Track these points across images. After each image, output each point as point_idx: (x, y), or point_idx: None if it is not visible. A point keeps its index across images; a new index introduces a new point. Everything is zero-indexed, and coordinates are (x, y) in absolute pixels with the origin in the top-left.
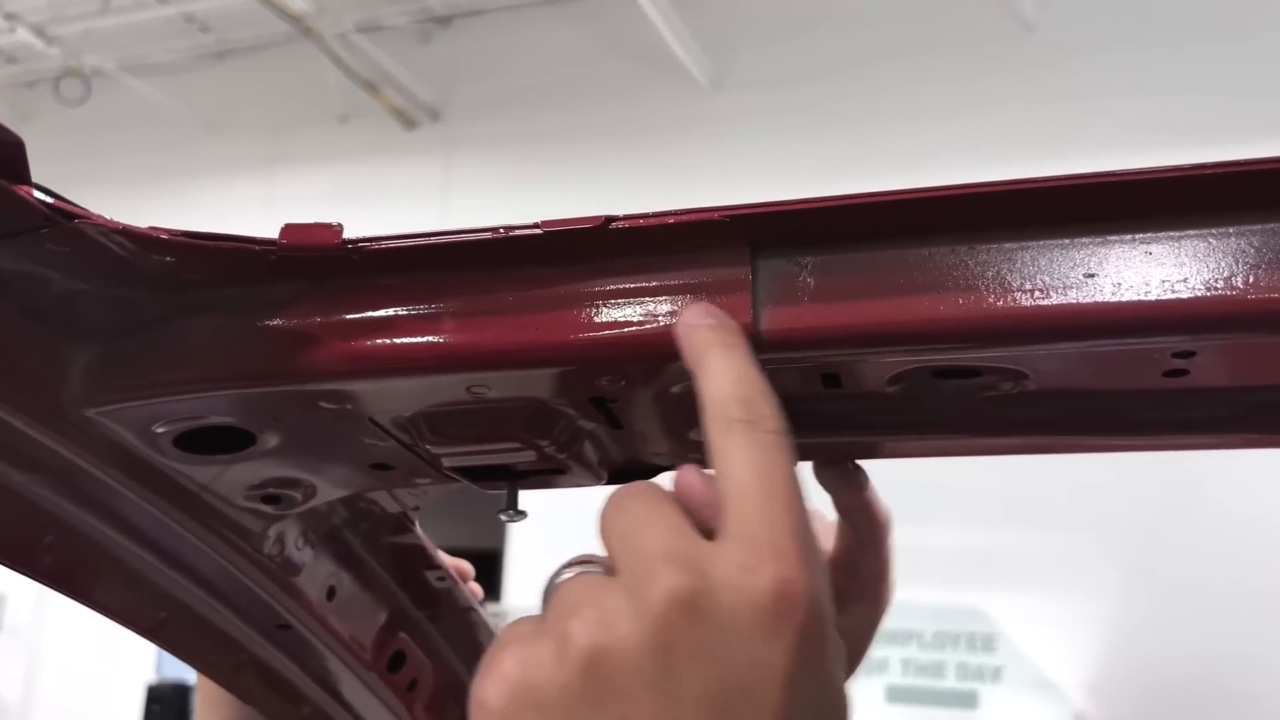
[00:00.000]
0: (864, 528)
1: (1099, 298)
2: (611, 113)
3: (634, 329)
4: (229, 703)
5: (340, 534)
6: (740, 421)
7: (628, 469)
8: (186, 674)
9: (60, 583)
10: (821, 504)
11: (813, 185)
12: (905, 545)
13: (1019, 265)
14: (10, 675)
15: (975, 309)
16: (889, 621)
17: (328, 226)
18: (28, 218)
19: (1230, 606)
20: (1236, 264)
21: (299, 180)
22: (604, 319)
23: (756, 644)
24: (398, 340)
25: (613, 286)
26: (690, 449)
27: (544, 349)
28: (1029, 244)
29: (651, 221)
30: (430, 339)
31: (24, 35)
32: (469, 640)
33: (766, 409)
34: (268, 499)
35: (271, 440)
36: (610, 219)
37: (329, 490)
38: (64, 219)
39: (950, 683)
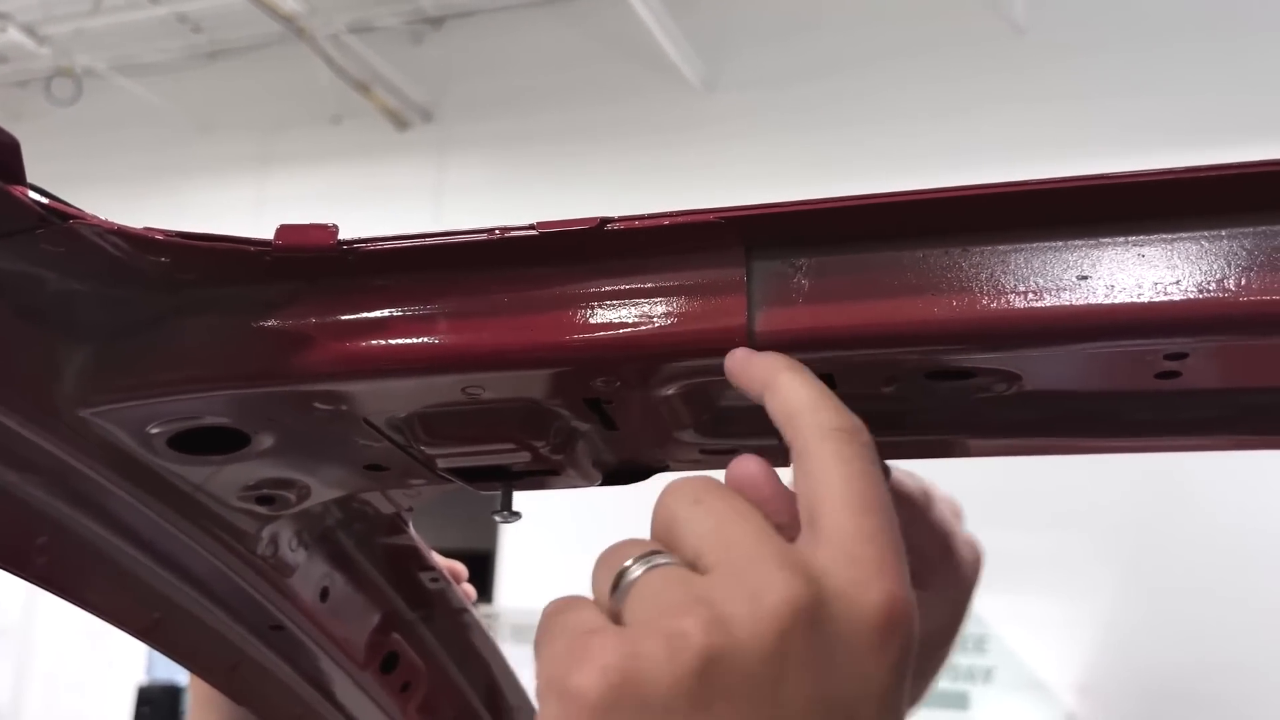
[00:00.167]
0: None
1: (1092, 300)
2: (604, 114)
3: (629, 330)
4: (221, 704)
5: (334, 535)
6: (837, 430)
7: (622, 470)
8: (178, 675)
9: (53, 584)
10: None
11: (806, 186)
12: None
13: (1012, 267)
14: (0, 676)
15: (969, 311)
16: None
17: (323, 227)
18: (23, 218)
19: (1221, 607)
20: (1229, 266)
21: (291, 181)
22: (599, 320)
23: (864, 659)
24: (393, 341)
25: (608, 287)
26: (685, 450)
27: (539, 350)
28: (1022, 246)
29: (647, 223)
30: (425, 340)
31: (15, 35)
32: (462, 641)
33: (858, 420)
34: (262, 500)
35: (266, 441)
36: (605, 220)
37: (323, 491)
38: (59, 219)
39: (941, 683)
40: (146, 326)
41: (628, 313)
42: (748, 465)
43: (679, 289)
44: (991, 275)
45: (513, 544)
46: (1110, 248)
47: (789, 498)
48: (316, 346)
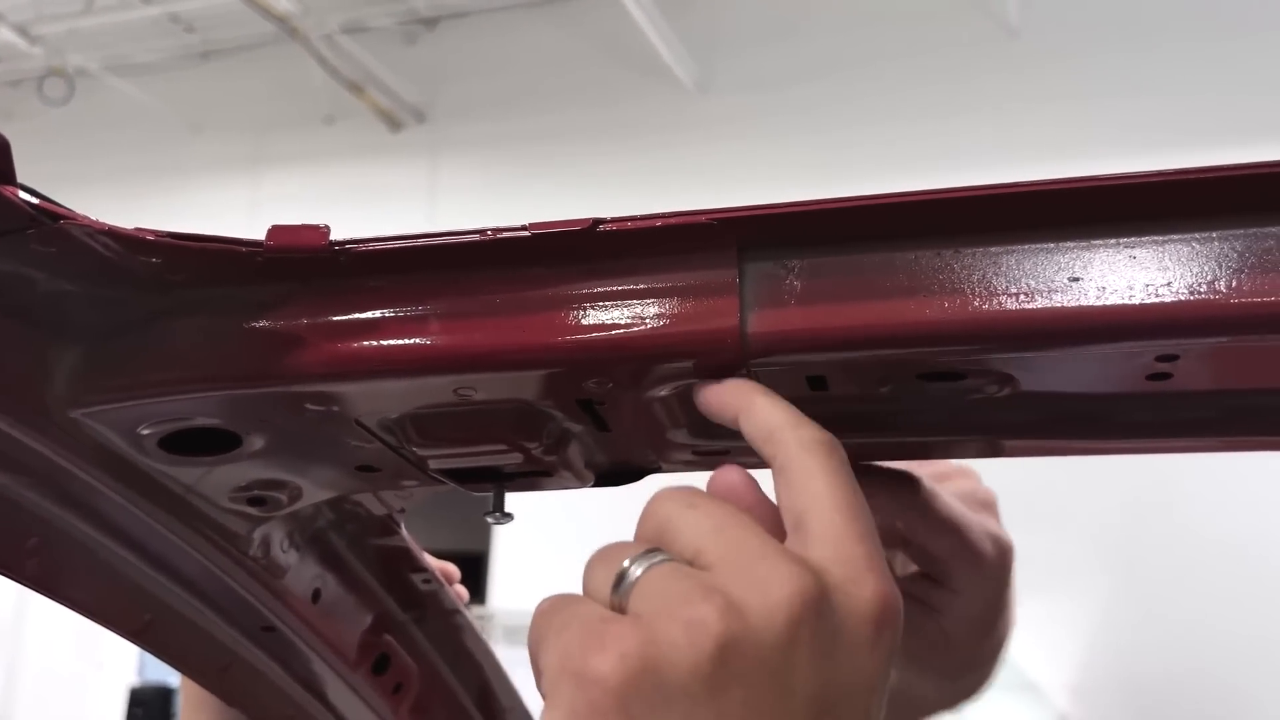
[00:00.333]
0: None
1: (1083, 301)
2: (597, 115)
3: (621, 331)
4: (213, 705)
5: (326, 536)
6: (817, 443)
7: (614, 471)
8: (169, 676)
9: (44, 585)
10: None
11: (799, 188)
12: None
13: (1004, 269)
14: None
15: (960, 312)
16: None
17: (314, 228)
18: (13, 218)
19: (1212, 608)
20: (1219, 268)
21: (284, 181)
22: (591, 321)
23: (862, 651)
24: (385, 342)
25: (600, 289)
26: (677, 451)
27: (531, 351)
28: (1013, 248)
29: (639, 224)
30: (417, 341)
31: (7, 34)
32: (454, 643)
33: (833, 436)
34: (253, 501)
35: (257, 442)
36: (598, 221)
37: (314, 492)
38: (49, 220)
39: None
40: (137, 327)
41: (620, 314)
42: (730, 475)
43: (671, 290)
44: (983, 277)
45: (506, 545)
46: (1102, 249)
47: (771, 506)
48: (308, 347)
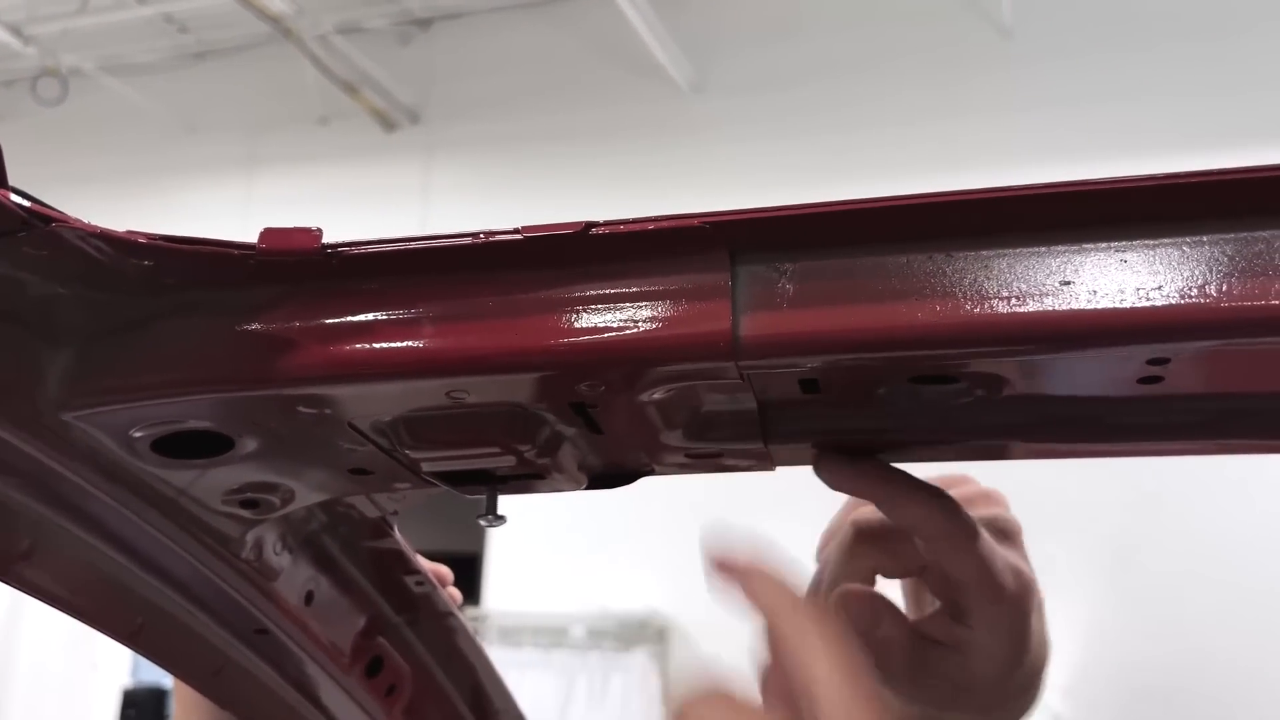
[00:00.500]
0: (898, 517)
1: (1075, 305)
2: (592, 116)
3: (614, 334)
4: (206, 708)
5: (318, 539)
6: (816, 624)
7: (607, 474)
8: (163, 678)
9: (36, 589)
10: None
11: (794, 190)
12: None
13: (995, 272)
14: None
15: (953, 316)
16: None
17: (307, 231)
18: (4, 221)
19: (1204, 609)
20: (1210, 272)
21: (278, 182)
22: (584, 324)
23: None
24: (377, 345)
25: (593, 292)
26: (670, 454)
27: (524, 354)
28: (1005, 251)
29: (631, 227)
30: (410, 343)
31: (0, 35)
32: (448, 645)
33: (863, 661)
34: (245, 504)
35: (249, 445)
36: (590, 225)
37: (307, 495)
38: (41, 222)
39: None
40: (130, 330)
41: (612, 317)
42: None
43: (663, 293)
44: (975, 280)
45: (500, 547)
46: (1093, 253)
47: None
48: (301, 350)
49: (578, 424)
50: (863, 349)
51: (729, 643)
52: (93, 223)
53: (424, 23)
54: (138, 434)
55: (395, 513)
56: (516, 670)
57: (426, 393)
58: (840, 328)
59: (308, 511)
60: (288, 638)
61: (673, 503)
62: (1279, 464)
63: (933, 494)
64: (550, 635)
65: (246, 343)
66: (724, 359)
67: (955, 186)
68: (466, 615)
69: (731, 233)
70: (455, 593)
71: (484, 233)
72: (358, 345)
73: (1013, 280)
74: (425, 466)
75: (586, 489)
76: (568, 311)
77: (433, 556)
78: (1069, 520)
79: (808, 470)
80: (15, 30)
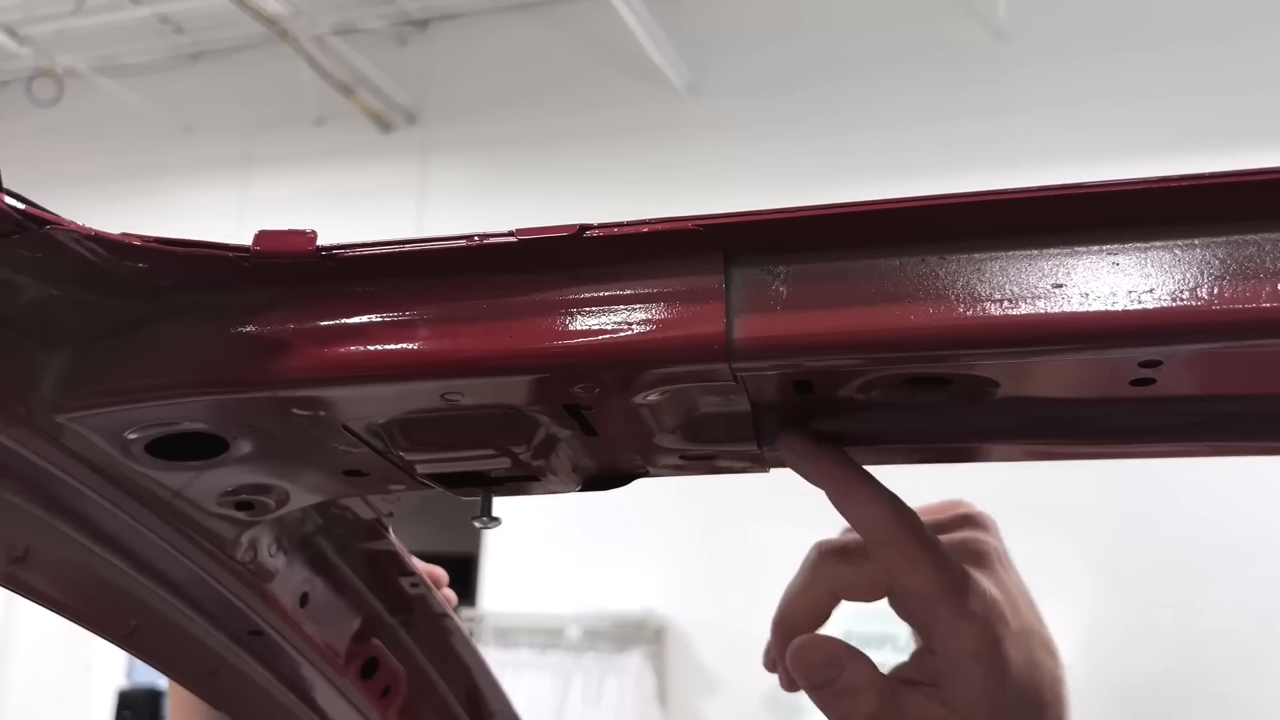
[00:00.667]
0: (847, 511)
1: (1066, 308)
2: (588, 117)
3: (608, 336)
4: (201, 709)
5: (313, 540)
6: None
7: (602, 476)
8: (158, 679)
9: (31, 591)
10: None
11: (790, 191)
12: None
13: (988, 275)
14: None
15: (945, 318)
16: (865, 625)
17: (301, 233)
18: None
19: (1199, 610)
20: (1202, 275)
21: (274, 182)
22: (579, 326)
23: None
24: (372, 347)
25: (587, 294)
26: (665, 456)
27: (519, 356)
28: (998, 254)
29: (626, 230)
30: (405, 346)
31: None
32: (443, 646)
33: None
34: (240, 505)
35: (244, 447)
36: (584, 227)
37: (302, 497)
38: (35, 225)
39: None
40: (124, 332)
41: (607, 319)
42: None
43: (658, 296)
44: (968, 283)
45: (496, 548)
46: (1085, 256)
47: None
48: (295, 352)
49: (572, 426)
50: (856, 351)
51: (725, 643)
52: (87, 225)
53: (420, 24)
54: (132, 436)
55: (390, 514)
56: (512, 671)
57: (421, 395)
58: (833, 330)
59: (303, 513)
60: (283, 639)
61: (668, 504)
62: (1274, 465)
63: (888, 496)
64: (546, 636)
65: (241, 345)
66: (718, 361)
67: (950, 189)
68: (462, 616)
69: (725, 235)
70: (450, 594)
71: (479, 235)
72: (352, 347)
73: (1005, 283)
74: (420, 468)
75: (581, 490)
76: (562, 314)
77: (428, 558)
78: (1063, 520)
79: None
80: (10, 31)
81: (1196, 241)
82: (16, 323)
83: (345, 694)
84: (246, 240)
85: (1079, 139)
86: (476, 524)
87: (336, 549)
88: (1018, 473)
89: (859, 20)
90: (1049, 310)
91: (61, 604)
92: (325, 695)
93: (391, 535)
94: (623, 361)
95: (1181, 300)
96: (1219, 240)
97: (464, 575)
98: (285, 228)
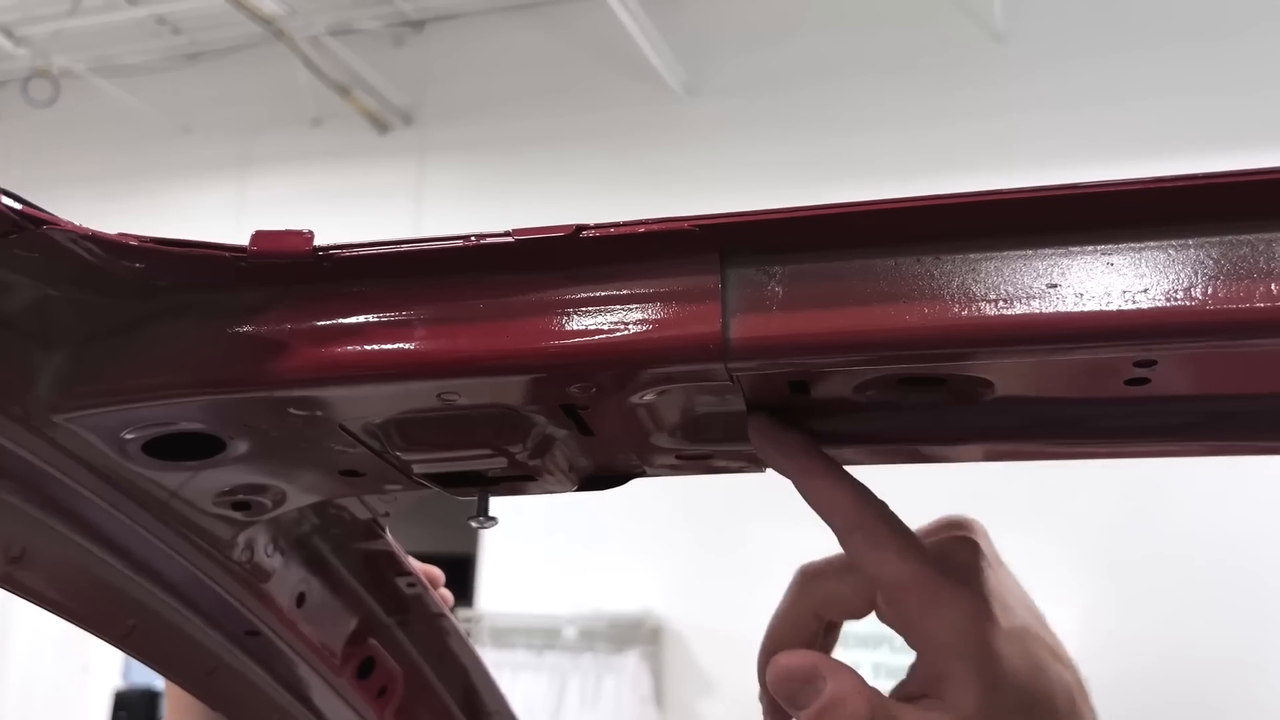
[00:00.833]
0: (810, 495)
1: (1061, 308)
2: (585, 118)
3: (604, 336)
4: (198, 709)
5: (310, 540)
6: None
7: (598, 476)
8: (154, 679)
9: (28, 592)
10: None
11: (785, 192)
12: None
13: (983, 275)
14: None
15: (940, 318)
16: (861, 625)
17: (298, 234)
18: None
19: (1194, 610)
20: (1196, 275)
21: (271, 183)
22: (575, 326)
23: None
24: (369, 347)
25: (584, 294)
26: (661, 456)
27: (515, 356)
28: (993, 255)
29: (622, 230)
30: (401, 346)
31: None
32: (439, 646)
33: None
34: (237, 505)
35: (241, 447)
36: (581, 228)
37: (299, 497)
38: (32, 225)
39: None
40: (121, 332)
41: (603, 319)
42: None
43: (654, 296)
44: (963, 283)
45: (493, 548)
46: (1079, 256)
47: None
48: (292, 352)
49: (569, 426)
50: (851, 351)
51: (722, 644)
52: (84, 225)
53: (417, 24)
54: (129, 436)
55: (387, 514)
56: (509, 672)
57: (418, 395)
58: (829, 330)
59: (299, 513)
60: (279, 639)
61: (665, 504)
62: (1270, 464)
63: (852, 481)
64: (543, 636)
65: (238, 345)
66: (714, 361)
67: (946, 189)
68: (459, 617)
69: (721, 235)
70: (447, 594)
71: (475, 235)
72: (349, 347)
73: (1000, 283)
74: (417, 468)
75: (578, 490)
76: (559, 314)
77: (425, 558)
78: (1058, 520)
79: None
80: (7, 31)
81: (1191, 242)
82: (14, 323)
83: (342, 694)
84: (243, 240)
85: (1076, 139)
86: (473, 524)
87: (333, 549)
88: (1012, 473)
89: (855, 22)
90: (1044, 310)
91: (58, 604)
92: (322, 695)
93: (388, 535)
94: (619, 361)
95: (1176, 300)
96: (1213, 240)
97: (461, 575)
98: (282, 228)
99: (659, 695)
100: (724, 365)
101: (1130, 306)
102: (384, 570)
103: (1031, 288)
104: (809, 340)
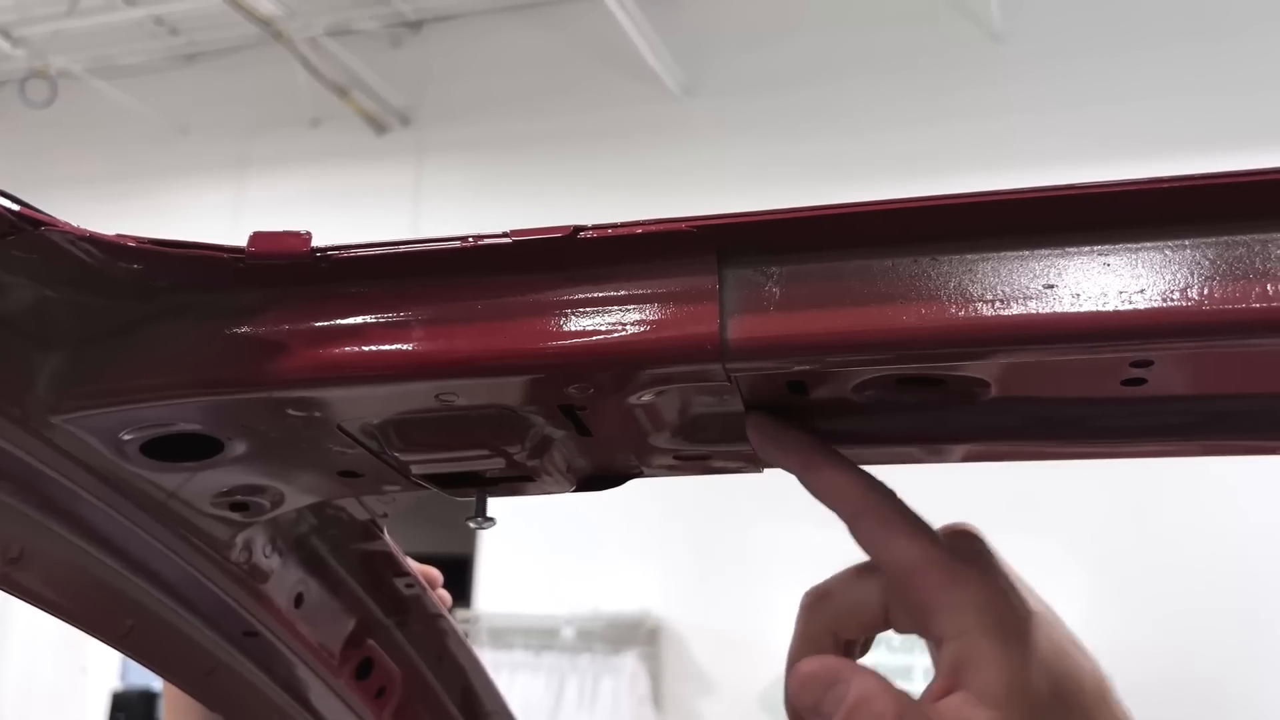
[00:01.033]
0: (815, 486)
1: (1058, 308)
2: (583, 119)
3: (602, 337)
4: (196, 710)
5: (308, 541)
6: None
7: (596, 476)
8: (152, 680)
9: (26, 593)
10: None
11: (783, 193)
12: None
13: (980, 276)
14: None
15: (937, 319)
16: None
17: (296, 234)
18: None
19: (1193, 610)
20: (1192, 275)
21: (269, 184)
22: (573, 327)
23: None
24: (367, 348)
25: (581, 295)
26: (659, 456)
27: (513, 356)
28: (990, 255)
29: (619, 231)
30: (399, 346)
31: None
32: (438, 647)
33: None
34: (235, 506)
35: (239, 448)
36: (578, 228)
37: (297, 497)
38: (30, 226)
39: (919, 686)
40: (119, 333)
41: (601, 320)
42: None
43: (652, 296)
44: (960, 284)
45: (491, 549)
46: (1076, 257)
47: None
48: (290, 353)
49: (567, 426)
50: (849, 352)
51: (720, 644)
52: (82, 226)
53: (415, 25)
54: (127, 437)
55: (385, 515)
56: (507, 672)
57: (416, 395)
58: (826, 330)
59: (297, 514)
60: (277, 640)
61: (664, 504)
62: (1266, 464)
63: (857, 469)
64: (541, 637)
65: (236, 346)
66: (711, 361)
67: (944, 190)
68: (457, 617)
69: (719, 236)
70: (445, 595)
71: (473, 236)
72: (347, 348)
73: (997, 283)
74: (414, 469)
75: (576, 491)
76: (557, 314)
77: (423, 559)
78: (1057, 520)
79: None
80: (4, 32)
81: (1187, 242)
82: (12, 324)
83: (340, 695)
84: (242, 241)
85: (1075, 139)
86: (471, 524)
87: (331, 550)
88: (1010, 472)
89: (852, 22)
90: (1041, 310)
91: (57, 605)
92: (320, 696)
93: (386, 536)
94: (617, 362)
95: (1172, 300)
96: (1209, 241)
97: (459, 576)
98: (280, 229)
99: (657, 696)
100: (722, 365)
101: (1127, 307)
102: (382, 571)
103: (1028, 288)
104: (806, 341)
